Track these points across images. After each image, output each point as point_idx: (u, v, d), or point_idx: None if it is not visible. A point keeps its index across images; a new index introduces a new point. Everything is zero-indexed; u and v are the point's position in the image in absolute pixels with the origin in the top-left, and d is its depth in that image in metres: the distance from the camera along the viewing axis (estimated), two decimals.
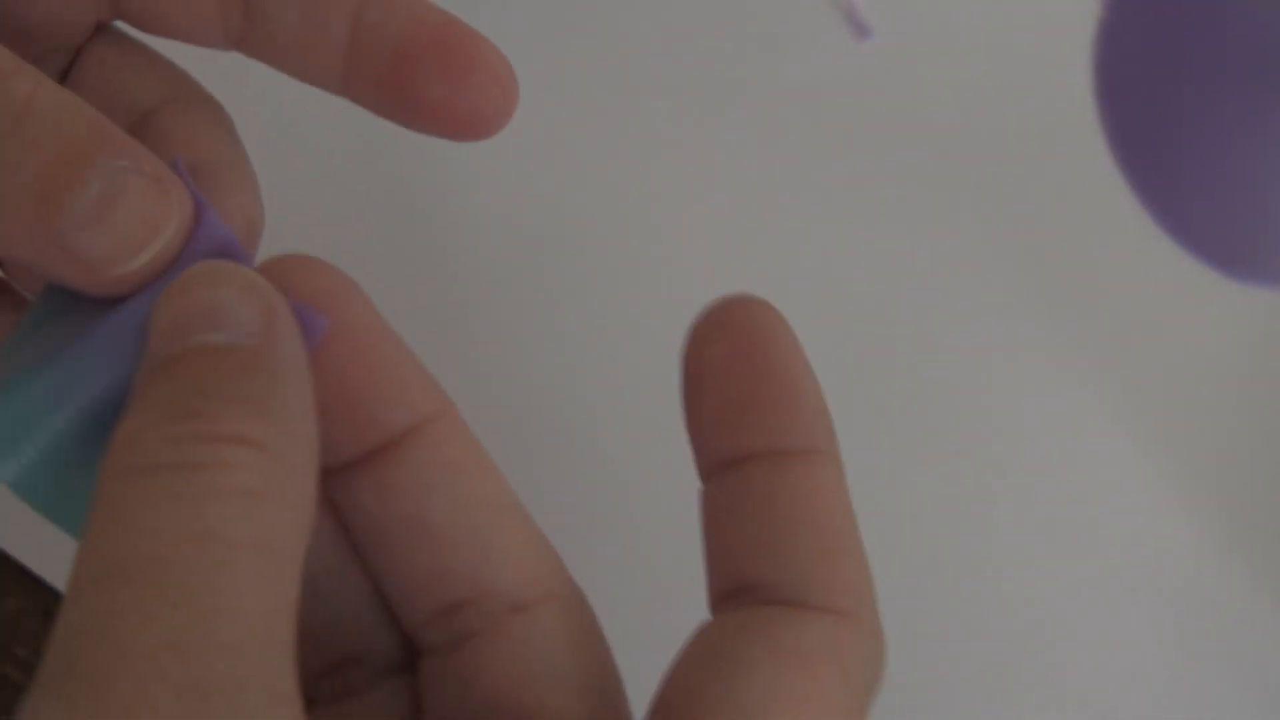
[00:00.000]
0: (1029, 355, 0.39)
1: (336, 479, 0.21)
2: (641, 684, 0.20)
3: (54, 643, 0.16)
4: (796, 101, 0.42)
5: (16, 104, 0.19)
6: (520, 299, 0.39)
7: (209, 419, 0.17)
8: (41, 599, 0.35)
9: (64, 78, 0.25)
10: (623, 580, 0.36)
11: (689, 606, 0.21)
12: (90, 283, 0.19)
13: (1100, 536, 0.37)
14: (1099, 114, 0.36)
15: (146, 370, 0.18)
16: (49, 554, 0.35)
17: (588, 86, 0.42)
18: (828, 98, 0.42)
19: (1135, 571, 0.37)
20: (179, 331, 0.18)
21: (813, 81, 0.42)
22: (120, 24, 0.25)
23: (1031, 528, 0.37)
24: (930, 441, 0.38)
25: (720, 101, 0.42)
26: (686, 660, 0.20)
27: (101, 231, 0.19)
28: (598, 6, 0.42)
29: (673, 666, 0.20)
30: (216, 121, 0.25)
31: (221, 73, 0.26)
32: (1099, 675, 0.36)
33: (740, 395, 0.21)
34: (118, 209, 0.19)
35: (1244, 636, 0.36)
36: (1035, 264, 0.40)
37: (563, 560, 0.22)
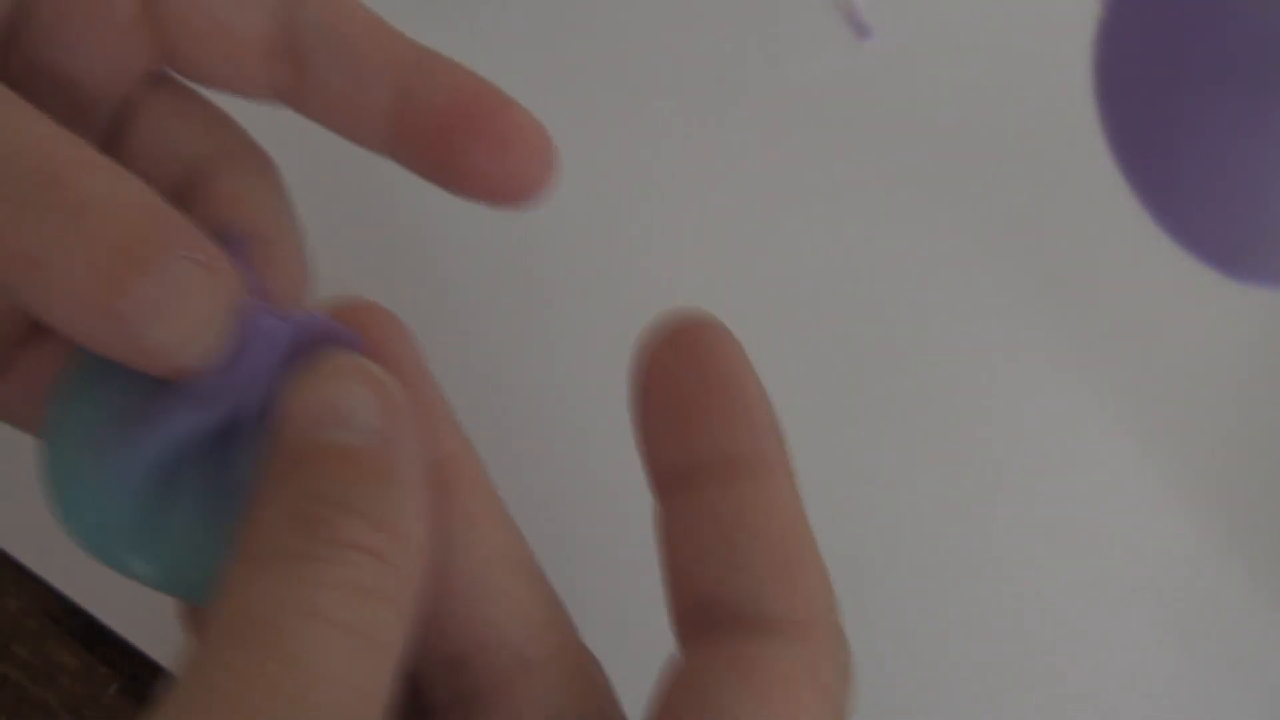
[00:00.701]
0: (1029, 355, 0.39)
1: None
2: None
3: (171, 692, 0.17)
4: (797, 102, 0.42)
5: (77, 195, 0.19)
6: (519, 299, 0.39)
7: (332, 526, 0.18)
8: (41, 599, 0.35)
9: (114, 126, 0.25)
10: (621, 597, 0.36)
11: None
12: (155, 369, 0.20)
13: (1100, 536, 0.37)
14: (1099, 114, 0.36)
15: (276, 459, 0.20)
16: (49, 554, 0.35)
17: (588, 87, 0.42)
18: (828, 98, 0.42)
19: (1135, 571, 0.37)
20: (308, 425, 0.20)
21: (813, 81, 0.42)
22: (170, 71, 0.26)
23: (1031, 528, 0.37)
24: (930, 441, 0.38)
25: (721, 102, 0.42)
26: (667, 706, 0.20)
27: (163, 323, 0.20)
28: (598, 7, 0.42)
29: (652, 712, 0.20)
30: (266, 181, 0.26)
31: None
32: (1100, 676, 0.36)
33: (686, 403, 0.21)
34: (176, 301, 0.20)
35: (1244, 636, 0.36)
36: (1035, 264, 0.40)
37: (573, 620, 0.22)
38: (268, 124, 0.26)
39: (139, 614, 0.35)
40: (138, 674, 0.34)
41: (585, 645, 0.22)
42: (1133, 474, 0.38)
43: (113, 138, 0.25)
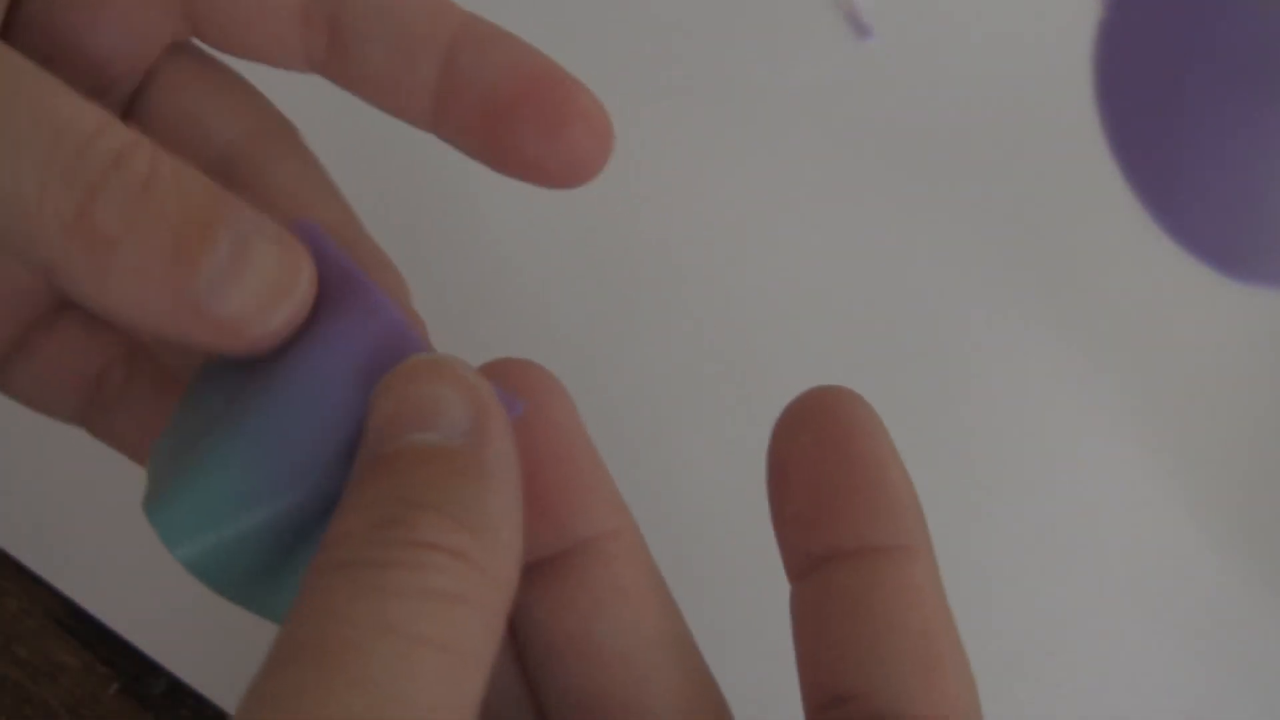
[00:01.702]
0: (1028, 355, 0.39)
1: None
2: None
3: (238, 712, 0.17)
4: (797, 101, 0.42)
5: (140, 177, 0.19)
6: (517, 299, 0.39)
7: (410, 526, 0.17)
8: (41, 599, 0.35)
9: (135, 99, 0.24)
10: None
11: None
12: (231, 345, 0.20)
13: (1100, 537, 0.37)
14: (1099, 114, 0.36)
15: (360, 464, 0.19)
16: (49, 554, 0.35)
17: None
18: (828, 98, 0.42)
19: (1135, 570, 0.37)
20: (393, 429, 0.19)
21: (813, 81, 0.42)
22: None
23: (1030, 529, 0.37)
24: (928, 441, 0.38)
25: (720, 101, 0.42)
26: None
27: (236, 291, 0.19)
28: (597, 6, 0.42)
29: None
30: (307, 163, 0.25)
31: None
32: (1101, 677, 0.36)
33: (826, 489, 0.20)
34: (248, 268, 0.19)
35: (1247, 636, 0.36)
36: (1035, 264, 0.40)
37: (724, 700, 0.21)
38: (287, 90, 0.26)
39: (139, 614, 0.35)
40: (138, 674, 0.34)
41: None
42: (1133, 474, 0.38)
43: (134, 112, 0.24)
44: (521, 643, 0.21)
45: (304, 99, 0.26)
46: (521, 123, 0.22)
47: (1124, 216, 0.38)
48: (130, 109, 0.24)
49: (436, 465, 0.18)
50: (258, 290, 0.19)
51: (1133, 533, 0.37)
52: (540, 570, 0.21)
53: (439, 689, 0.17)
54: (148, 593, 0.35)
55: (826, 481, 0.20)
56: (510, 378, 0.21)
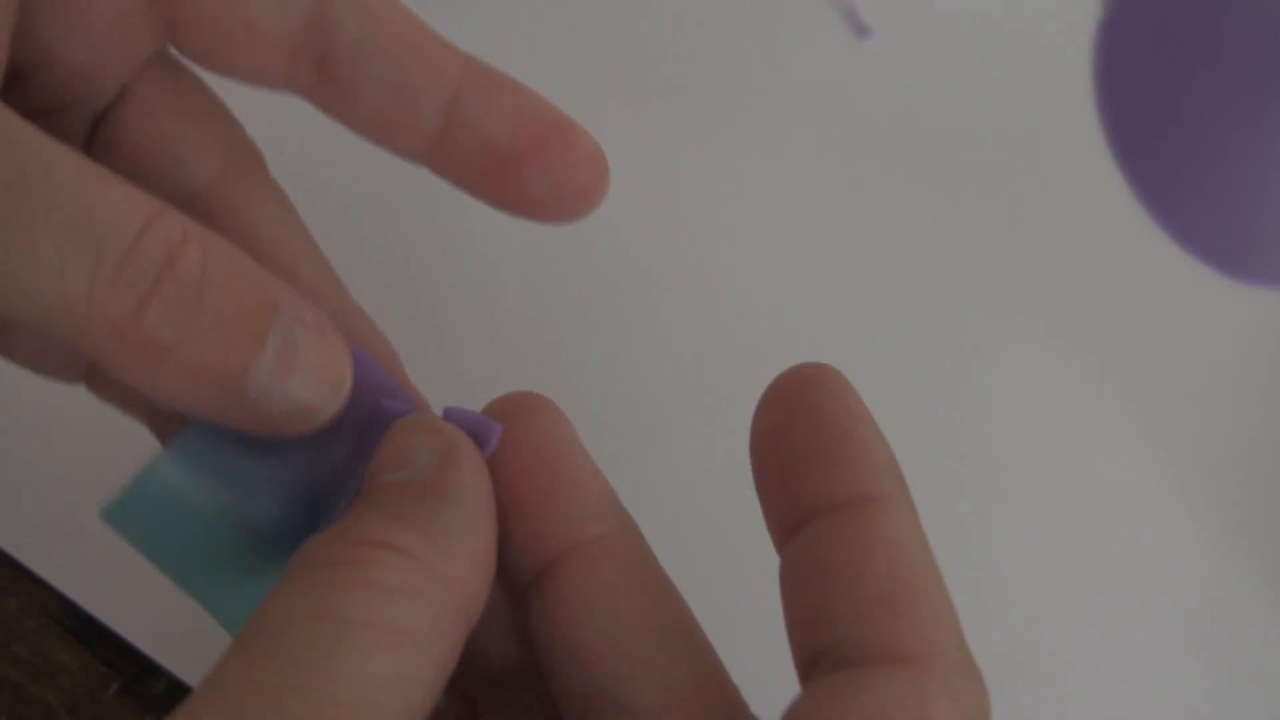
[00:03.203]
0: (1028, 355, 0.39)
1: (519, 602, 0.22)
2: None
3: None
4: (796, 101, 0.42)
5: (193, 278, 0.19)
6: (517, 300, 0.39)
7: (361, 530, 0.19)
8: (41, 599, 0.35)
9: (109, 113, 0.24)
10: None
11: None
12: (274, 434, 0.21)
13: (1100, 536, 0.37)
14: (1099, 114, 0.36)
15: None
16: (49, 554, 0.35)
17: (587, 87, 0.42)
18: (828, 98, 0.42)
19: (1135, 570, 0.37)
20: (372, 477, 0.20)
21: (813, 81, 0.42)
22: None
23: (1031, 528, 0.37)
24: (929, 442, 0.38)
25: (720, 101, 0.42)
26: None
27: (283, 395, 0.20)
28: (597, 7, 0.42)
29: None
30: (283, 208, 0.25)
31: None
32: (1101, 676, 0.36)
33: (795, 455, 0.20)
34: (296, 370, 0.20)
35: (1246, 636, 0.36)
36: (1035, 264, 0.40)
37: (732, 683, 0.21)
38: (282, 137, 0.26)
39: (139, 614, 0.35)
40: (138, 674, 0.34)
41: (740, 704, 0.21)
42: (1132, 474, 0.38)
43: (107, 128, 0.24)
44: (538, 658, 0.22)
45: (284, 109, 0.26)
46: (526, 170, 0.23)
47: (1124, 217, 0.38)
48: (103, 122, 0.24)
49: (399, 490, 0.20)
50: (303, 391, 0.20)
51: (1133, 533, 0.37)
52: (536, 583, 0.21)
53: (374, 665, 0.17)
54: (148, 593, 0.35)
55: (795, 447, 0.20)
56: (499, 408, 0.22)
